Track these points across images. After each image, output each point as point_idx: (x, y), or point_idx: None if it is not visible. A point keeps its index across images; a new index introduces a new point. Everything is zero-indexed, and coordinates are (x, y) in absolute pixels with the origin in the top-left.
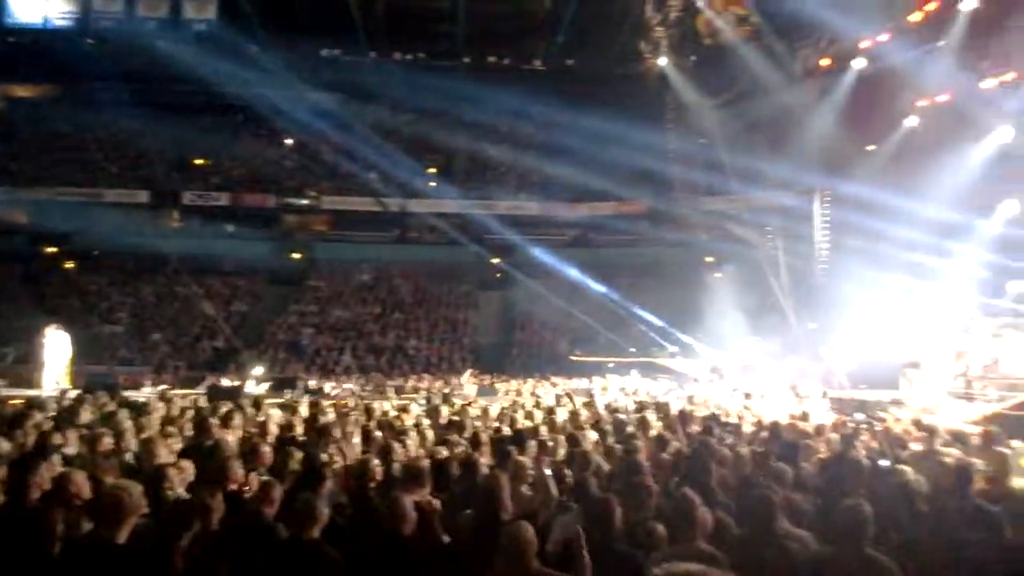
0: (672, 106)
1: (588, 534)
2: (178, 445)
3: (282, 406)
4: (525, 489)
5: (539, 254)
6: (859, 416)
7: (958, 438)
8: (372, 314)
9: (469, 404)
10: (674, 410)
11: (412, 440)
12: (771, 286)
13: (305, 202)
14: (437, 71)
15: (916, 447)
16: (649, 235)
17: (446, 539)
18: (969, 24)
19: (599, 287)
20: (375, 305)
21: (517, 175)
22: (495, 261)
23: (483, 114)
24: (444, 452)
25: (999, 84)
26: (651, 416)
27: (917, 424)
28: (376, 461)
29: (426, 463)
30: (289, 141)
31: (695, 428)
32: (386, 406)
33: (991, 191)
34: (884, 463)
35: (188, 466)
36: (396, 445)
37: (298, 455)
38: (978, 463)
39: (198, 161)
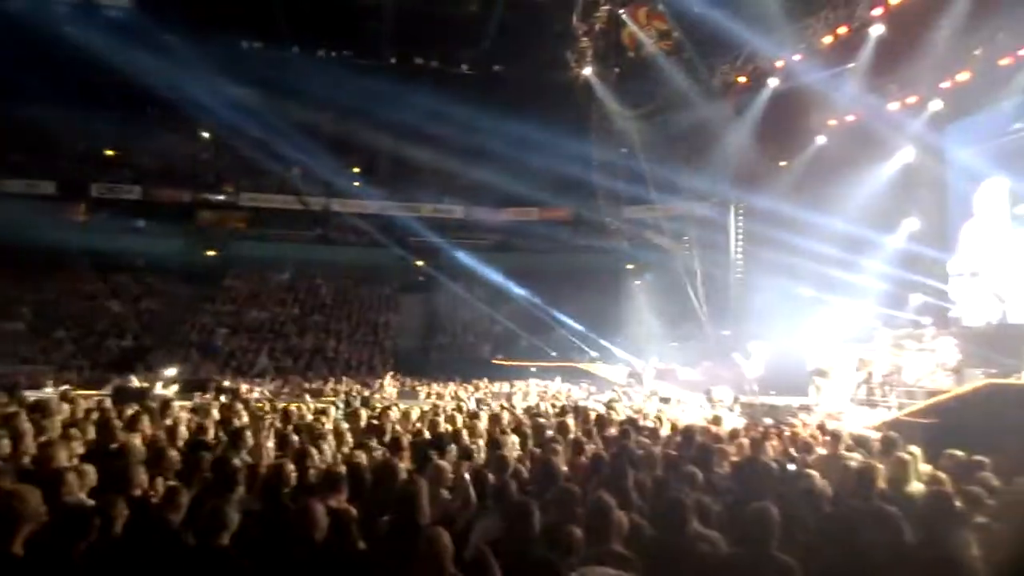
0: (596, 115)
1: (507, 538)
2: (81, 449)
3: (193, 409)
4: (445, 493)
5: (462, 258)
6: (768, 421)
7: (860, 443)
8: (290, 315)
9: (389, 407)
10: (593, 415)
11: (329, 444)
12: (688, 294)
13: (221, 198)
14: (362, 70)
15: (821, 451)
16: (572, 242)
17: (362, 545)
18: (877, 49)
19: (522, 292)
20: (294, 306)
21: (441, 178)
22: (418, 264)
23: (408, 116)
24: (363, 456)
25: (903, 107)
26: (570, 421)
27: (822, 429)
28: (291, 466)
29: (343, 468)
30: (206, 134)
31: (613, 432)
32: (303, 409)
33: (895, 208)
34: (791, 467)
35: (90, 470)
36: (313, 449)
37: (208, 459)
38: (878, 467)
39: (109, 152)
